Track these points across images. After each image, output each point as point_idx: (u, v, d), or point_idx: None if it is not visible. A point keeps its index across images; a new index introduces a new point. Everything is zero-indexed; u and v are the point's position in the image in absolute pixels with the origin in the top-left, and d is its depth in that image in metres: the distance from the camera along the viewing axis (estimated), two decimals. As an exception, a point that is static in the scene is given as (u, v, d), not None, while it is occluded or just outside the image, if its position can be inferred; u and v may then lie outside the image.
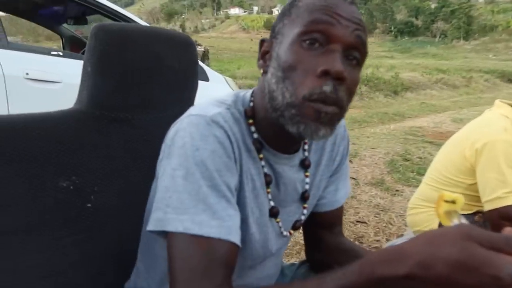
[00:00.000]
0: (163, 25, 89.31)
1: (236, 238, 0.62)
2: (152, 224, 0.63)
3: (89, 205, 0.86)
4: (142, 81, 0.94)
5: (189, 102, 1.06)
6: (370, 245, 2.41)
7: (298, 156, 0.78)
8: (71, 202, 0.83)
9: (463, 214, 1.43)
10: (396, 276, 0.46)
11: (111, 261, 0.89)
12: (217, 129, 0.65)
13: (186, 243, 0.59)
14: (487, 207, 1.38)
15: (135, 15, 3.07)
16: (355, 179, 3.65)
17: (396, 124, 7.26)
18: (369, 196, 3.22)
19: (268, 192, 0.75)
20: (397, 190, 3.41)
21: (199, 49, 8.00)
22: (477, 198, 1.42)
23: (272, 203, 0.76)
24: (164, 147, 0.68)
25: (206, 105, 0.70)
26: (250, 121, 0.71)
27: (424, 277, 0.44)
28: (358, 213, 2.86)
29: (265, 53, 0.70)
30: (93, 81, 0.88)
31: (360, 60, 0.66)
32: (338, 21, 0.61)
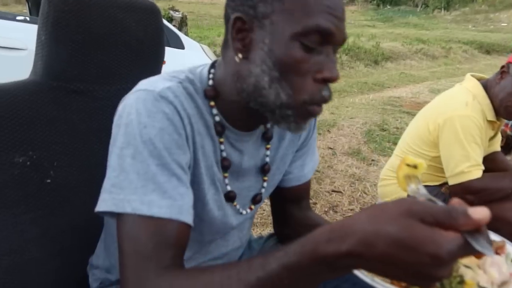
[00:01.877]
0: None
1: (187, 217, 0.60)
2: (101, 205, 0.60)
3: (48, 180, 0.83)
4: (102, 50, 0.89)
5: (155, 73, 1.01)
6: (344, 214, 2.46)
7: (259, 129, 0.76)
8: (29, 178, 0.80)
9: (430, 185, 1.47)
10: (338, 254, 0.44)
11: (75, 237, 0.88)
12: (166, 105, 0.62)
13: (134, 224, 0.57)
14: (451, 182, 1.40)
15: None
16: (332, 149, 3.69)
17: (375, 94, 7.29)
18: (345, 166, 3.26)
19: (225, 177, 0.74)
20: (372, 160, 3.46)
21: (177, 15, 7.72)
22: (443, 170, 1.44)
23: (228, 188, 0.75)
24: (113, 126, 0.64)
25: (156, 79, 0.66)
26: (212, 103, 0.68)
27: (366, 255, 0.43)
28: (334, 182, 2.90)
29: (239, 32, 0.62)
30: (48, 50, 0.82)
31: None
32: (336, 25, 0.59)
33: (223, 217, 0.75)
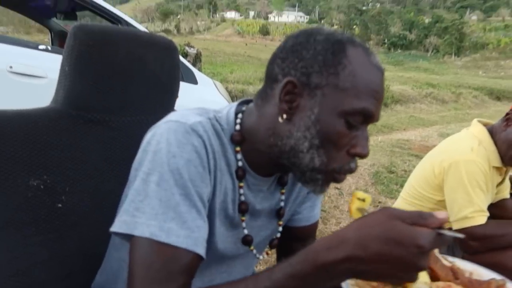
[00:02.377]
0: (158, 24, 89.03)
1: (202, 250, 0.62)
2: (118, 226, 0.63)
3: (59, 205, 0.85)
4: (121, 84, 0.94)
5: (170, 107, 1.06)
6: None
7: (276, 174, 0.79)
8: (41, 201, 0.83)
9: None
10: (337, 260, 0.51)
11: (80, 262, 0.89)
12: (196, 138, 0.65)
13: (150, 249, 0.59)
14: (454, 227, 1.39)
15: (129, 14, 3.06)
16: (339, 189, 3.67)
17: (384, 136, 7.32)
18: (352, 206, 3.24)
19: (242, 220, 0.76)
20: (379, 202, 3.43)
21: (192, 51, 7.98)
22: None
23: (246, 231, 0.77)
24: (139, 151, 0.68)
25: (187, 113, 0.70)
26: (237, 148, 0.72)
27: (362, 257, 0.49)
28: (340, 223, 2.88)
29: (287, 94, 0.65)
30: (70, 80, 0.87)
31: None
32: (377, 108, 0.66)
33: (230, 253, 0.77)
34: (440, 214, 0.50)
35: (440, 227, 0.50)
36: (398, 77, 21.48)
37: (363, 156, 0.66)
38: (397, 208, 0.52)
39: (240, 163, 0.72)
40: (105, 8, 2.65)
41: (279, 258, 0.96)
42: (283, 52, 0.68)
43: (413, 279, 0.51)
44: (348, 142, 0.65)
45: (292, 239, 0.91)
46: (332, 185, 3.54)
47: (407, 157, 5.30)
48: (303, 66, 0.65)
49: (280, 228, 0.84)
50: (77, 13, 3.32)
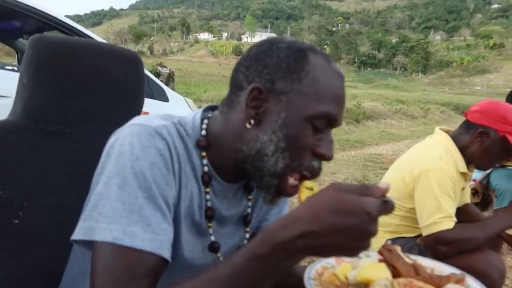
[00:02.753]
0: (131, 46, 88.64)
1: (167, 253, 0.61)
2: (79, 233, 0.61)
3: (16, 221, 0.81)
4: (83, 95, 0.92)
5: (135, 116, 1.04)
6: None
7: (242, 182, 0.79)
8: (-4, 217, 0.79)
9: (406, 237, 1.48)
10: (293, 237, 0.51)
11: (38, 281, 0.84)
12: (160, 140, 0.64)
13: (113, 254, 0.57)
14: (424, 232, 1.42)
15: (102, 36, 3.05)
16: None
17: (356, 151, 7.46)
18: (326, 220, 3.25)
19: (209, 227, 0.75)
20: (353, 215, 3.46)
21: (164, 71, 7.97)
22: (417, 221, 1.46)
23: (212, 238, 0.76)
24: (102, 156, 0.67)
25: (152, 117, 0.70)
26: (203, 153, 0.72)
27: (316, 231, 0.50)
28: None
29: (253, 100, 0.67)
30: (28, 92, 0.85)
31: None
32: (340, 112, 0.69)
33: (192, 260, 0.75)
34: (382, 185, 0.53)
35: (383, 196, 0.52)
36: (369, 94, 22.06)
37: (327, 158, 0.68)
38: (340, 183, 0.54)
39: (206, 168, 0.72)
40: (75, 28, 2.62)
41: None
42: (247, 61, 0.70)
43: (366, 246, 0.52)
44: (312, 144, 0.67)
45: None
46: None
47: (379, 171, 5.40)
48: (267, 73, 0.66)
49: (247, 235, 0.83)
50: (45, 33, 3.27)
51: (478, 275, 1.30)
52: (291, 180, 0.68)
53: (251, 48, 0.71)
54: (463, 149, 1.52)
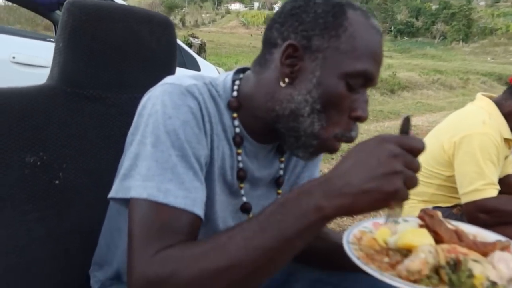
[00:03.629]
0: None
1: (200, 211, 0.61)
2: (115, 191, 0.62)
3: (57, 182, 0.85)
4: (117, 59, 0.92)
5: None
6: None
7: (274, 143, 0.78)
8: (38, 178, 0.82)
9: (442, 207, 1.44)
10: (319, 181, 0.54)
11: (77, 240, 0.88)
12: (191, 99, 0.64)
13: (148, 210, 0.58)
14: (464, 200, 1.38)
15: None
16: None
17: (390, 122, 7.27)
18: (358, 191, 3.22)
19: (241, 188, 0.75)
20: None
21: (196, 41, 7.96)
22: (455, 190, 1.42)
23: (244, 199, 0.76)
24: (136, 116, 0.67)
25: (183, 77, 0.69)
26: (234, 114, 0.71)
27: (339, 171, 0.53)
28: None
29: (288, 58, 0.65)
30: (64, 57, 0.86)
31: None
32: (377, 71, 0.66)
33: (225, 220, 0.76)
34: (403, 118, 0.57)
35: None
36: (405, 64, 21.26)
37: (363, 119, 0.66)
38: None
39: (237, 130, 0.71)
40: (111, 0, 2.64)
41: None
42: (281, 17, 0.67)
43: (394, 189, 0.50)
44: (348, 106, 0.65)
45: None
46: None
47: (414, 143, 5.25)
48: (303, 29, 0.64)
49: (279, 197, 0.83)
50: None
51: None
52: (334, 143, 0.67)
53: (286, 4, 0.69)
54: (508, 115, 1.45)
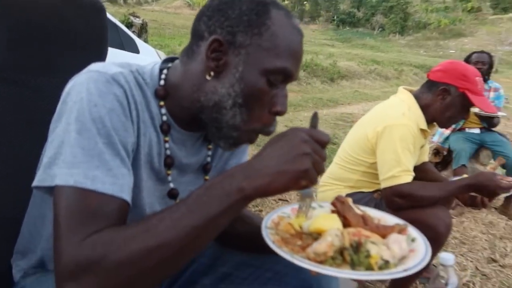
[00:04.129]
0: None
1: (127, 196, 0.63)
2: (39, 179, 0.61)
3: (-27, 169, 0.81)
4: (40, 40, 0.89)
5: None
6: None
7: (202, 132, 0.80)
8: (-48, 164, 0.78)
9: (364, 192, 1.56)
10: (241, 166, 0.61)
11: (1, 229, 0.86)
12: (117, 87, 0.64)
13: (75, 197, 0.58)
14: (383, 185, 1.50)
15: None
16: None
17: (329, 110, 7.55)
18: (295, 176, 3.33)
19: (168, 174, 0.77)
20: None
21: (137, 21, 7.63)
22: (377, 177, 1.54)
23: (171, 185, 0.78)
24: (59, 103, 0.66)
25: (109, 64, 0.69)
26: (161, 102, 0.72)
27: (257, 155, 0.61)
28: (282, 192, 2.96)
29: (214, 52, 0.67)
30: (-20, 37, 0.82)
31: None
32: (297, 68, 0.71)
33: (152, 205, 0.77)
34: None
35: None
36: (345, 54, 22.00)
37: (281, 113, 0.70)
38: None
39: (164, 118, 0.73)
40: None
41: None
42: (209, 10, 0.69)
43: (304, 168, 0.58)
44: (269, 101, 0.69)
45: None
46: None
47: (349, 129, 5.43)
48: (228, 25, 0.67)
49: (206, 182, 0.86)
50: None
51: (426, 227, 1.40)
52: (253, 136, 0.72)
53: None
54: (425, 107, 1.58)
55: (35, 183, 0.62)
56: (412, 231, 0.73)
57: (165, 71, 0.74)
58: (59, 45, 0.93)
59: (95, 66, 0.67)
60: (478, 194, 1.49)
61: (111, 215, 0.59)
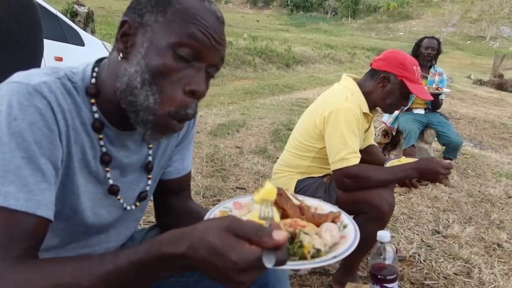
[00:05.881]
0: (44, -21, 79.13)
1: (46, 212, 0.62)
2: None
3: None
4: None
5: (33, 68, 1.00)
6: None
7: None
8: None
9: (314, 177, 1.62)
10: (175, 255, 0.52)
11: None
12: (40, 99, 0.63)
13: None
14: (333, 168, 1.57)
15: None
16: (239, 148, 3.80)
17: (285, 96, 7.64)
18: (251, 163, 3.39)
19: (107, 171, 0.77)
20: (277, 158, 3.58)
21: (82, 10, 7.28)
22: (327, 161, 1.60)
23: (111, 181, 0.78)
24: None
25: (33, 73, 0.67)
26: (92, 100, 0.71)
27: (193, 258, 0.51)
28: (239, 179, 3.01)
29: (124, 35, 0.68)
30: None
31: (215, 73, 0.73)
32: (211, 43, 0.67)
33: (94, 209, 0.77)
34: (277, 235, 0.50)
35: (276, 247, 0.49)
36: (300, 39, 22.23)
37: (198, 92, 0.67)
38: (241, 220, 0.52)
39: (96, 115, 0.72)
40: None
41: (157, 212, 1.00)
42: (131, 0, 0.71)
43: (240, 286, 0.51)
44: (180, 79, 0.66)
45: (166, 192, 0.95)
46: (233, 144, 3.64)
47: (304, 115, 5.62)
48: (139, 8, 0.68)
49: (150, 182, 0.87)
50: None
51: (372, 207, 1.50)
52: (172, 122, 0.68)
53: None
54: (367, 94, 1.66)
55: None
56: (345, 217, 0.77)
57: (96, 69, 0.74)
58: (-10, 46, 0.89)
59: (17, 77, 0.65)
60: (422, 179, 1.57)
61: (25, 234, 0.59)
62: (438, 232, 2.46)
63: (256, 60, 11.96)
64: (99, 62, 0.76)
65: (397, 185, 1.66)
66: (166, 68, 0.65)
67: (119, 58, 0.68)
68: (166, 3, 0.67)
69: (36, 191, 0.61)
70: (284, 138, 4.26)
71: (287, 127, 4.77)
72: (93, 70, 0.73)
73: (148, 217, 2.11)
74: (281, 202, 0.78)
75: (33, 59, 1.00)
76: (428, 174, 1.53)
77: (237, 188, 2.86)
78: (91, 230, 0.80)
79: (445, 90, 3.32)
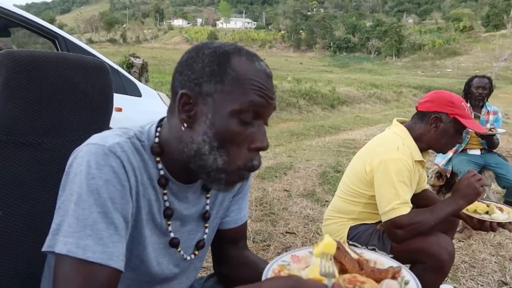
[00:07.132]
0: (102, 34, 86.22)
1: (117, 263, 0.67)
2: (48, 244, 0.68)
3: (-6, 229, 0.86)
4: (52, 105, 0.96)
5: (103, 124, 1.09)
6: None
7: (199, 181, 0.85)
8: (-26, 227, 0.84)
9: (367, 223, 1.58)
10: None
11: (18, 284, 0.90)
12: (114, 159, 0.70)
13: (69, 266, 0.64)
14: (383, 218, 1.53)
15: (71, 24, 3.00)
16: (287, 191, 3.80)
17: (331, 137, 7.61)
18: (300, 207, 3.37)
19: (168, 225, 0.82)
20: (326, 201, 3.59)
21: (137, 61, 7.84)
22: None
23: (172, 235, 0.83)
24: (64, 174, 0.72)
25: (107, 135, 0.75)
26: (157, 158, 0.78)
27: None
28: (288, 224, 2.98)
29: (185, 105, 0.73)
30: (0, 107, 0.89)
31: None
32: (267, 102, 0.73)
33: (158, 259, 0.82)
34: None
35: None
36: (344, 79, 22.33)
37: (262, 148, 0.74)
38: (305, 281, 0.62)
39: (162, 172, 0.78)
40: (38, 24, 2.60)
41: (214, 261, 1.02)
42: (180, 66, 0.76)
43: None
44: (245, 139, 0.72)
45: (223, 242, 0.98)
46: (281, 187, 3.62)
47: (352, 156, 5.50)
48: (194, 78, 0.73)
49: (207, 230, 0.91)
50: (11, 29, 3.21)
51: (430, 256, 1.44)
52: (242, 174, 0.74)
53: (184, 54, 0.77)
54: (419, 137, 1.64)
55: (44, 247, 0.68)
56: (406, 273, 0.75)
57: (159, 129, 0.80)
58: (67, 108, 0.99)
59: (94, 139, 0.73)
60: (469, 201, 1.51)
61: (101, 283, 0.65)
62: (506, 284, 2.27)
63: (301, 102, 12.11)
64: (160, 121, 0.83)
65: (466, 227, 1.59)
66: (232, 134, 0.71)
67: (183, 128, 0.74)
68: (222, 72, 0.71)
69: (109, 244, 0.67)
70: (332, 180, 4.21)
71: (335, 169, 4.72)
72: (156, 130, 0.80)
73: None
74: (339, 256, 0.77)
75: (104, 117, 1.10)
76: (469, 193, 1.49)
77: (286, 232, 2.83)
78: (155, 280, 0.85)
79: (500, 130, 3.16)
